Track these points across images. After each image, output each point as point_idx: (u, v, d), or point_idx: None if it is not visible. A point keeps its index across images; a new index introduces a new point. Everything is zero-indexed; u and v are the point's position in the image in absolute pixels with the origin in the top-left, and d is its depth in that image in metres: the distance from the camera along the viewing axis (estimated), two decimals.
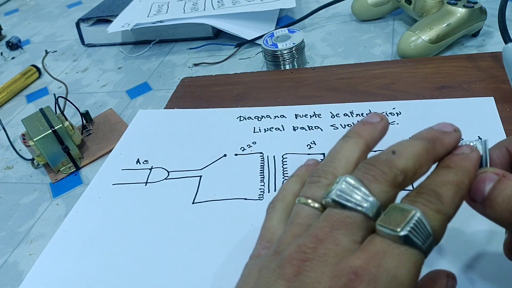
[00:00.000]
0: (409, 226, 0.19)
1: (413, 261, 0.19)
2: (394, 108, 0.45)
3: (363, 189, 0.21)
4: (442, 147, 0.23)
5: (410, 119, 0.43)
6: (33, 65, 0.74)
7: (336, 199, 0.21)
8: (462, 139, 0.24)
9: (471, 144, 0.24)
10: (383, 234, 0.20)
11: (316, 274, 0.19)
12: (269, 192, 0.39)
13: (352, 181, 0.21)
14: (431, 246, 0.20)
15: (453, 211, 0.21)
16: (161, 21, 0.68)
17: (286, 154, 0.43)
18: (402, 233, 0.19)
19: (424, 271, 0.29)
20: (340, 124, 0.45)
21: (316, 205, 0.23)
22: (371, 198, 0.21)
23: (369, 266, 0.19)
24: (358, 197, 0.21)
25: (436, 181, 0.22)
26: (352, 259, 0.19)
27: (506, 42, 0.47)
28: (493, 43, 0.53)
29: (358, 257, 0.19)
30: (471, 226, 0.32)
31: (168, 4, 0.73)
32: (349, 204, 0.21)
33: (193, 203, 0.40)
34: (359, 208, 0.21)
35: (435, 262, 0.30)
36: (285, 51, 0.56)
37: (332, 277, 0.19)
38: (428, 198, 0.21)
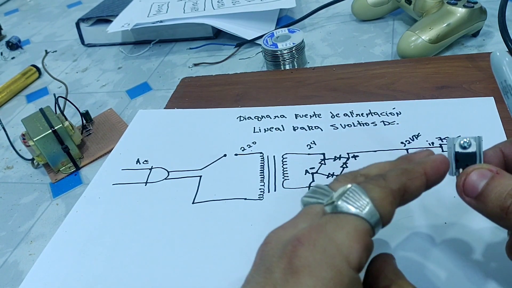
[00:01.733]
0: (343, 196, 0.22)
1: (352, 226, 0.21)
2: (394, 108, 0.45)
3: (327, 189, 0.24)
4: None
5: (410, 119, 0.43)
6: (33, 65, 0.74)
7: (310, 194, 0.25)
8: (459, 136, 0.25)
9: (466, 139, 0.25)
10: (327, 209, 0.23)
11: (271, 246, 0.22)
12: (269, 192, 0.39)
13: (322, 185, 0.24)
14: (372, 215, 0.21)
15: (396, 186, 0.22)
16: (161, 21, 0.68)
17: (286, 154, 0.43)
18: (337, 202, 0.22)
19: (427, 271, 0.30)
20: (340, 124, 0.45)
21: None
22: (331, 193, 0.23)
23: (310, 233, 0.21)
24: (324, 193, 0.24)
25: (387, 169, 0.24)
26: (300, 231, 0.22)
27: (506, 42, 0.47)
28: (493, 43, 0.53)
29: (304, 229, 0.22)
30: (472, 227, 0.32)
31: (168, 4, 0.73)
32: (315, 197, 0.24)
33: (193, 203, 0.40)
34: (321, 201, 0.23)
35: (437, 262, 0.30)
36: (285, 51, 0.56)
37: (282, 246, 0.22)
38: (372, 177, 0.23)
